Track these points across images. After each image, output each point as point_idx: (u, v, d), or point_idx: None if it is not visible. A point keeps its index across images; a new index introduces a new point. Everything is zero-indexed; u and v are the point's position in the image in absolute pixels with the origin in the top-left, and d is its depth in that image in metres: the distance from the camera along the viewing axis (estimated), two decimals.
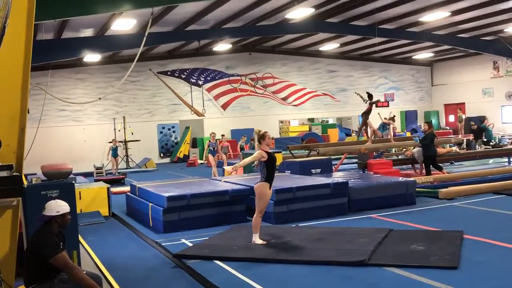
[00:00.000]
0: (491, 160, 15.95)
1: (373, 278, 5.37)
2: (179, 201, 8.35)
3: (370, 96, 14.82)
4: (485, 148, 18.55)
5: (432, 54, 28.76)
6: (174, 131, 25.07)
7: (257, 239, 6.90)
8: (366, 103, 14.57)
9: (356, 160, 14.76)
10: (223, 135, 18.18)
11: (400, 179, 10.27)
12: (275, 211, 8.49)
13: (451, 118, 30.30)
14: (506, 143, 22.09)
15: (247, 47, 25.84)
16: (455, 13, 19.15)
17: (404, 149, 16.22)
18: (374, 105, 14.77)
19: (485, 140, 19.79)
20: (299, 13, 17.98)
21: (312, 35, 22.84)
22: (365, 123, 14.73)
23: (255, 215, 6.92)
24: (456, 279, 5.14)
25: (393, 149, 17.12)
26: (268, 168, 6.86)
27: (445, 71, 31.12)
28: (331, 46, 25.95)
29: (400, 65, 30.74)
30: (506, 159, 15.39)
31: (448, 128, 29.01)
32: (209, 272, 5.81)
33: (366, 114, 14.44)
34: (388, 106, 29.79)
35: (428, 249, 6.16)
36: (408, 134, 24.87)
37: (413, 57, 29.68)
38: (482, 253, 6.08)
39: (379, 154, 15.96)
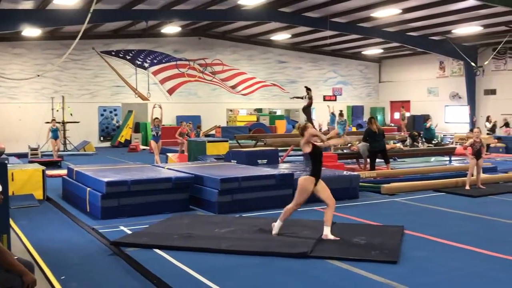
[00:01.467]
0: (433, 158, 16.38)
1: (315, 270, 5.34)
2: (119, 187, 8.04)
3: (308, 90, 14.98)
4: (428, 146, 19.06)
5: (381, 51, 29.29)
6: (116, 114, 24.38)
7: (277, 227, 6.62)
8: (305, 98, 14.71)
9: (302, 152, 14.78)
10: (181, 122, 17.81)
11: (345, 173, 10.33)
12: (219, 200, 8.33)
13: (397, 115, 31.04)
14: (448, 142, 22.83)
15: (197, 31, 25.44)
16: (406, 10, 19.51)
17: (349, 144, 16.39)
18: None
19: (426, 138, 20.33)
20: (252, 0, 17.80)
21: (264, 23, 22.73)
22: (309, 116, 14.85)
23: (291, 204, 6.64)
24: (395, 273, 5.17)
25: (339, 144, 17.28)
26: (314, 161, 6.56)
27: (393, 68, 31.80)
28: (282, 36, 25.95)
29: (349, 60, 31.16)
30: (447, 158, 15.85)
31: (393, 125, 29.71)
32: (148, 261, 5.61)
33: (308, 107, 14.60)
34: (336, 100, 30.19)
35: (370, 243, 6.21)
36: (354, 129, 25.29)
37: (363, 53, 30.14)
38: (421, 248, 6.16)
39: (325, 148, 16.06)
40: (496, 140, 19.95)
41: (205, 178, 8.77)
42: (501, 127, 21.35)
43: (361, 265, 5.40)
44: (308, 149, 6.53)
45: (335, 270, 5.36)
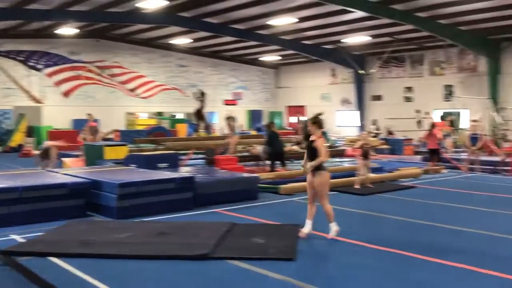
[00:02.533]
0: None
1: (215, 271, 5.43)
2: (9, 194, 7.62)
3: (202, 93, 15.20)
4: None
5: (279, 58, 30.21)
6: (7, 118, 22.89)
7: (335, 227, 6.72)
8: (199, 99, 14.91)
9: (203, 156, 14.89)
10: (89, 114, 17.00)
11: (245, 175, 10.57)
12: (117, 205, 8.17)
13: (293, 119, 32.13)
14: (340, 144, 24.00)
15: (95, 33, 24.65)
16: (301, 20, 20.32)
17: (250, 147, 16.76)
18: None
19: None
20: (151, 4, 17.62)
21: (164, 27, 22.57)
22: (204, 119, 15.03)
23: (326, 204, 6.80)
24: (292, 270, 5.41)
25: (239, 146, 17.58)
26: (308, 155, 6.90)
27: (289, 74, 32.91)
28: (183, 41, 25.90)
29: (248, 65, 31.81)
30: (339, 159, 16.72)
31: (290, 128, 30.66)
32: (44, 269, 5.37)
33: (201, 110, 14.79)
34: (236, 104, 30.66)
35: (268, 242, 6.41)
36: (253, 132, 25.80)
37: (261, 59, 30.89)
38: (316, 245, 6.49)
39: (226, 150, 16.28)
40: (382, 142, 21.37)
41: (103, 183, 8.57)
42: (375, 136, 22.87)
43: (260, 264, 5.56)
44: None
45: (234, 270, 5.47)
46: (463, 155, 15.84)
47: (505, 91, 22.74)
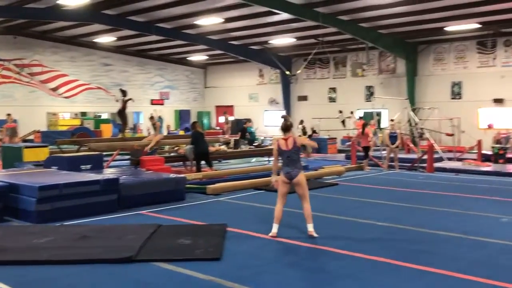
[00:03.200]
0: (254, 159, 17.35)
1: (140, 274, 5.35)
2: None
3: (123, 92, 14.97)
4: (249, 148, 20.14)
5: (206, 57, 30.14)
6: None
7: (313, 230, 6.78)
8: (118, 101, 14.68)
9: (128, 157, 14.60)
10: (8, 114, 16.07)
11: (171, 175, 10.48)
12: (37, 209, 7.85)
13: (222, 119, 32.18)
14: (268, 144, 24.33)
15: (13, 29, 23.47)
16: (228, 20, 20.38)
17: (176, 147, 16.63)
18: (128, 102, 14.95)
19: (248, 140, 21.45)
20: (73, 0, 17.03)
21: (87, 25, 21.88)
22: (125, 119, 14.84)
23: (308, 204, 6.84)
24: (218, 270, 5.44)
25: (166, 146, 17.42)
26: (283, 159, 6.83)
27: (217, 74, 32.93)
28: (107, 39, 25.23)
29: (176, 65, 31.51)
30: (267, 158, 16.96)
31: (218, 128, 30.73)
32: None
33: (123, 111, 14.59)
34: (163, 104, 30.29)
35: (194, 243, 6.39)
36: (181, 132, 25.63)
37: (188, 58, 30.70)
38: (243, 244, 6.54)
39: (152, 151, 16.05)
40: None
41: (21, 186, 8.19)
42: (310, 135, 23.41)
43: (186, 265, 5.54)
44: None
45: (160, 272, 5.42)
46: (383, 153, 16.54)
47: (421, 92, 23.97)
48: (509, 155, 16.90)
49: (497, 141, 17.51)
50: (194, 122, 13.83)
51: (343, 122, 25.37)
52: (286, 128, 7.03)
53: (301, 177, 6.89)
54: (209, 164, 13.28)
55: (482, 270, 5.41)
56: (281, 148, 6.92)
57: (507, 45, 21.68)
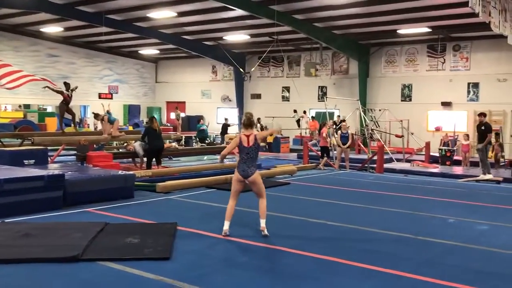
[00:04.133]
0: (205, 157, 17.16)
1: (86, 273, 5.13)
2: None
3: (67, 84, 14.60)
4: (201, 146, 19.93)
5: (158, 51, 29.64)
6: None
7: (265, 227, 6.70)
8: (64, 94, 14.30)
9: (75, 152, 14.13)
10: None
11: (120, 172, 10.17)
12: None
13: (173, 115, 31.75)
14: (220, 141, 24.16)
15: None
16: (181, 14, 20.09)
17: (125, 143, 16.22)
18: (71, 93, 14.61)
19: (200, 137, 21.25)
20: None
21: (33, 13, 21.02)
22: (65, 113, 14.48)
23: (265, 201, 6.81)
24: (167, 269, 5.28)
25: (115, 142, 16.97)
26: (242, 156, 6.73)
27: (169, 69, 32.44)
28: (53, 29, 24.37)
29: (126, 58, 30.83)
30: (219, 156, 16.80)
31: (169, 124, 30.29)
32: None
33: (65, 104, 14.22)
34: (112, 98, 29.52)
35: (143, 242, 6.21)
36: (131, 128, 25.05)
37: (139, 52, 30.10)
38: (193, 243, 6.40)
39: (100, 146, 15.62)
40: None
41: None
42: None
43: (134, 264, 5.37)
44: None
45: (107, 271, 5.22)
46: (335, 153, 16.70)
47: (373, 93, 24.44)
48: (455, 157, 17.43)
49: (445, 144, 18.03)
50: (152, 117, 13.55)
51: (298, 121, 25.51)
52: (250, 124, 6.87)
53: (256, 175, 6.82)
54: (158, 162, 13.00)
55: (430, 270, 5.47)
56: (242, 144, 6.78)
57: (456, 50, 22.41)
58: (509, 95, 20.88)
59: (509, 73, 20.95)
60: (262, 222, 6.80)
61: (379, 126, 19.47)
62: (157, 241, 6.27)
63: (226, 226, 6.77)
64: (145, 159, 13.02)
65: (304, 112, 25.57)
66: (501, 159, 16.80)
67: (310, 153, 16.89)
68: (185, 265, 5.50)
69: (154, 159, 12.97)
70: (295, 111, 25.56)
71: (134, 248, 5.93)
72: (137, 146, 13.13)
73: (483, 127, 13.78)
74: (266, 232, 6.73)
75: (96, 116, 16.53)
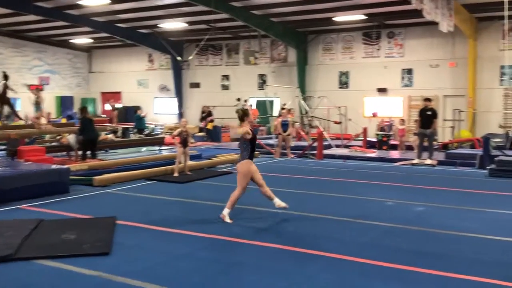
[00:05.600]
0: (144, 148, 16.81)
1: (22, 273, 4.88)
2: None
3: (5, 76, 13.98)
4: (139, 137, 19.48)
5: (91, 40, 28.64)
6: None
7: (227, 215, 6.90)
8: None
9: (4, 147, 13.42)
10: None
11: (53, 166, 9.73)
12: None
13: (108, 106, 30.88)
14: (159, 132, 23.76)
15: None
16: (114, 1, 19.45)
17: (59, 136, 15.55)
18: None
19: (138, 128, 20.79)
20: None
21: None
22: (4, 104, 13.84)
23: (236, 191, 6.95)
24: (107, 264, 5.12)
25: (47, 136, 16.26)
26: (252, 146, 6.95)
27: (103, 59, 31.46)
28: None
29: (57, 47, 29.58)
30: (158, 147, 16.48)
31: (104, 116, 29.42)
32: None
33: (3, 96, 13.59)
34: (43, 89, 28.26)
35: (81, 237, 5.99)
36: (64, 120, 24.09)
37: (71, 41, 28.98)
38: (133, 237, 6.23)
39: (31, 140, 14.92)
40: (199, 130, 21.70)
41: None
42: (201, 119, 23.23)
43: (72, 261, 5.17)
44: (249, 135, 6.89)
45: (43, 270, 4.99)
46: (275, 141, 16.78)
47: (312, 81, 24.73)
48: (392, 142, 17.95)
49: (381, 129, 18.53)
50: (83, 107, 13.07)
51: None
52: (240, 117, 7.19)
53: (239, 165, 7.08)
54: (94, 155, 12.57)
55: (371, 253, 5.57)
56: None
57: (390, 37, 23.01)
58: (441, 80, 21.72)
59: (441, 59, 21.76)
60: (225, 211, 6.99)
61: (306, 113, 19.69)
62: (95, 236, 6.07)
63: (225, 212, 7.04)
64: (80, 152, 12.56)
65: (246, 100, 25.54)
66: (435, 143, 17.46)
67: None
68: (126, 259, 5.34)
69: (89, 152, 12.54)
70: (238, 99, 25.42)
71: (71, 245, 5.72)
72: (71, 138, 12.63)
73: (429, 112, 14.11)
74: (227, 220, 6.91)
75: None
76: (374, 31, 23.03)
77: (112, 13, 21.97)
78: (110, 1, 19.36)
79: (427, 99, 14.57)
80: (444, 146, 17.30)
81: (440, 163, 14.26)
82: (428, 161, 14.01)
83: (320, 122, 19.68)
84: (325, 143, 17.27)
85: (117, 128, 19.60)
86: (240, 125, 7.11)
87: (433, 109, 14.43)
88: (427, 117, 14.01)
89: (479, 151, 14.05)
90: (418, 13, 14.93)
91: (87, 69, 31.96)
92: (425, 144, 14.23)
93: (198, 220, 7.08)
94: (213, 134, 21.83)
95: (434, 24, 16.21)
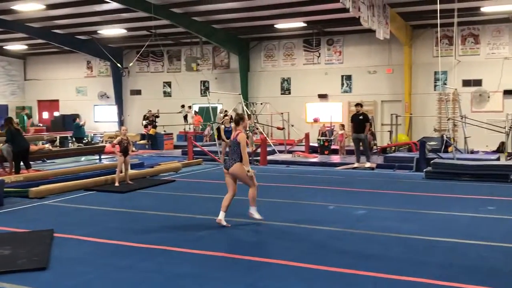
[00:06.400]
0: (83, 158, 16.32)
1: None
2: None
3: None
4: (78, 146, 18.91)
5: (26, 47, 27.62)
6: None
7: (256, 212, 7.23)
8: None
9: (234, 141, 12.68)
10: None
11: None
12: None
13: (45, 114, 29.88)
14: (98, 141, 23.14)
15: None
16: (50, 7, 18.86)
17: None
18: None
19: (76, 137, 20.17)
20: None
21: None
22: None
23: (251, 190, 7.22)
24: (44, 280, 4.91)
25: None
26: (243, 150, 7.04)
27: (39, 66, 30.42)
28: None
29: None
30: (97, 156, 16.04)
31: (41, 125, 28.44)
32: None
33: None
34: None
35: (16, 252, 5.72)
36: None
37: (5, 48, 27.83)
38: (72, 250, 6.02)
39: None
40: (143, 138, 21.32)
41: None
42: (146, 125, 22.85)
43: (6, 278, 4.92)
44: (244, 141, 7.04)
45: None
46: (219, 148, 16.72)
47: (254, 87, 24.87)
48: (333, 147, 18.29)
49: (322, 134, 18.85)
50: (8, 118, 12.55)
51: (185, 117, 25.14)
52: (235, 121, 7.43)
53: (235, 167, 7.14)
54: (27, 165, 12.08)
55: (313, 257, 5.63)
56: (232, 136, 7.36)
57: (330, 44, 23.51)
58: (378, 86, 22.38)
59: (379, 65, 22.44)
60: (251, 209, 7.28)
61: (257, 120, 19.86)
62: (32, 250, 5.82)
63: (220, 216, 7.14)
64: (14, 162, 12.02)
65: (189, 107, 25.34)
66: (374, 147, 17.93)
67: (194, 149, 16.73)
68: (64, 273, 5.14)
69: (22, 163, 12.04)
70: (182, 106, 25.19)
71: (5, 260, 5.46)
72: (4, 149, 12.08)
73: (361, 117, 14.48)
74: (256, 216, 7.21)
75: None
76: (314, 38, 23.47)
77: (48, 19, 21.28)
78: (45, 7, 18.74)
79: (358, 105, 14.98)
80: (383, 150, 17.82)
81: (379, 166, 14.65)
82: (367, 164, 14.37)
83: (263, 128, 19.78)
84: (269, 149, 17.38)
85: (55, 138, 18.94)
86: (235, 129, 7.34)
87: (364, 113, 14.85)
88: (359, 122, 14.43)
89: (415, 155, 14.53)
90: (356, 20, 15.32)
91: (22, 77, 30.77)
92: (362, 148, 14.61)
93: (140, 231, 6.93)
94: (155, 142, 21.50)
95: (371, 31, 16.69)
